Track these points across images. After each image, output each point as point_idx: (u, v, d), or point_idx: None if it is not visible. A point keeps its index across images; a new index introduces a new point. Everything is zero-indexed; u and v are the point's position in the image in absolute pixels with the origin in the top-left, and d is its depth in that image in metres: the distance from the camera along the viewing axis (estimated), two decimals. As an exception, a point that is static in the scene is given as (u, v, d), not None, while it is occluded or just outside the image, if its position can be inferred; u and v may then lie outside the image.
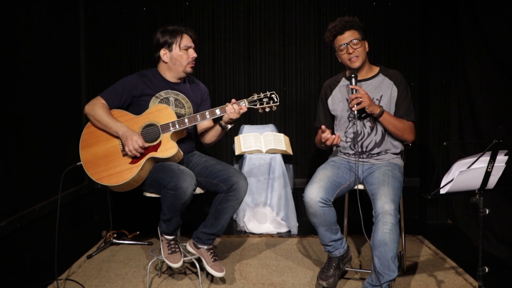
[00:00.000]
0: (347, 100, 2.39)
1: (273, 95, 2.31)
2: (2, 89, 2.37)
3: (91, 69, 3.65)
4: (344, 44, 2.28)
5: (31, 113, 2.69)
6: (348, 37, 2.27)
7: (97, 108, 2.34)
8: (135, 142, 2.23)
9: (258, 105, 2.30)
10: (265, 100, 2.29)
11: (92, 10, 3.61)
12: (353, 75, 2.29)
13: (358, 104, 2.20)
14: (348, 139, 2.39)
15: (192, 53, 2.43)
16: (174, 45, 2.40)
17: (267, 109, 2.31)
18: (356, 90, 2.24)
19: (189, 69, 2.45)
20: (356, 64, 2.30)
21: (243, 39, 3.69)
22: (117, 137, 2.32)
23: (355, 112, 2.24)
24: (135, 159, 2.28)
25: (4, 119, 2.39)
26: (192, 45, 2.44)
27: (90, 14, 3.61)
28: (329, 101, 2.48)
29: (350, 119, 2.39)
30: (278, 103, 2.31)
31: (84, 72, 3.58)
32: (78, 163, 2.35)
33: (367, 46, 2.35)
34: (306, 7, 3.67)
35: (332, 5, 3.66)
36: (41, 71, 2.83)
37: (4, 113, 2.39)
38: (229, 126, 2.40)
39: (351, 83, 2.29)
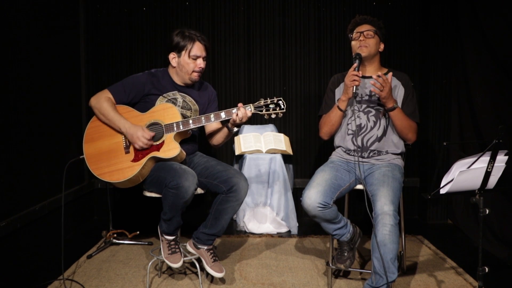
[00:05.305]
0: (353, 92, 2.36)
1: (280, 102, 2.25)
2: (2, 89, 2.37)
3: (91, 69, 3.64)
4: (359, 33, 2.40)
5: (31, 113, 2.69)
6: (364, 28, 2.41)
7: (102, 101, 2.32)
8: (142, 138, 2.23)
9: (264, 111, 2.26)
10: (271, 106, 2.25)
11: (92, 10, 3.61)
12: (358, 57, 2.33)
13: (381, 90, 2.22)
14: (350, 131, 2.41)
15: (200, 63, 2.38)
16: (183, 52, 2.36)
17: (273, 115, 2.26)
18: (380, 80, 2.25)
19: (194, 78, 2.41)
20: (363, 53, 2.36)
21: (243, 39, 3.69)
22: (121, 133, 2.31)
23: (354, 89, 2.27)
24: (137, 157, 2.28)
25: (3, 119, 2.39)
26: (203, 54, 2.38)
27: (90, 14, 3.61)
28: (337, 91, 2.51)
29: (354, 111, 2.41)
30: (284, 110, 2.25)
31: (84, 71, 3.57)
32: (81, 157, 2.35)
33: (381, 46, 2.43)
34: (306, 7, 3.66)
35: (332, 5, 3.65)
36: (41, 71, 2.83)
37: (4, 113, 2.39)
38: (235, 129, 2.37)
39: (354, 62, 2.32)
